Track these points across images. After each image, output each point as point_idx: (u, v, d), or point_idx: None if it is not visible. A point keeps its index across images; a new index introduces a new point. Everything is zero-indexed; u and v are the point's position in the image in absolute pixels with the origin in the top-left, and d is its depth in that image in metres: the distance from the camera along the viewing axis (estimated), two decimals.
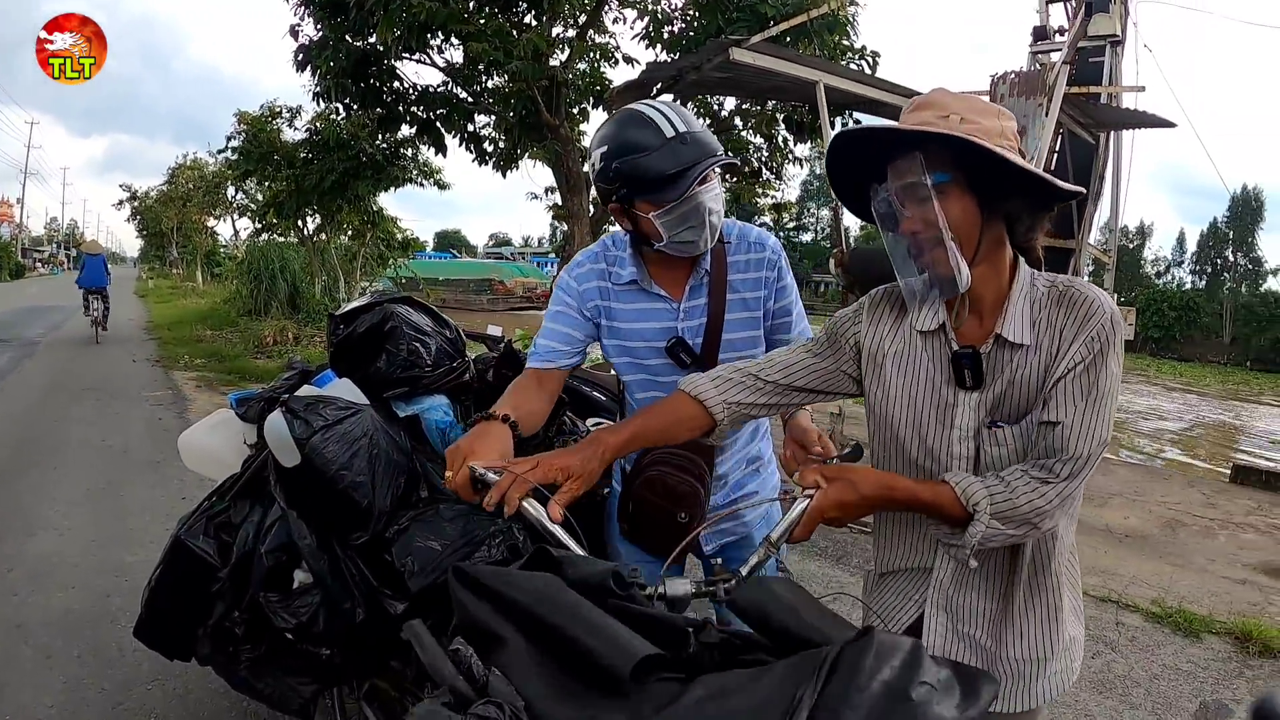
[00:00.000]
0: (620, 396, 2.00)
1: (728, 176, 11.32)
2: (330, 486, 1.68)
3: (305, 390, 1.90)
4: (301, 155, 13.69)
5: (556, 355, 1.76)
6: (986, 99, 1.30)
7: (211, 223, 36.61)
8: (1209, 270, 43.07)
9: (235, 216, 28.76)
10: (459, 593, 0.97)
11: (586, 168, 1.63)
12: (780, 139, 10.60)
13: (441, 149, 11.04)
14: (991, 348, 1.26)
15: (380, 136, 12.35)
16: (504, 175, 10.65)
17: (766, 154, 10.94)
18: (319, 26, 9.66)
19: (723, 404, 1.45)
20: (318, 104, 10.80)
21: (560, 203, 10.34)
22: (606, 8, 9.81)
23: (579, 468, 1.33)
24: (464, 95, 10.34)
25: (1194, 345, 34.55)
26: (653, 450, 1.71)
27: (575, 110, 10.23)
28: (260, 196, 18.53)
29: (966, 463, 1.29)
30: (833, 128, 7.46)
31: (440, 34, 8.90)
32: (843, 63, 8.56)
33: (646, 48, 9.61)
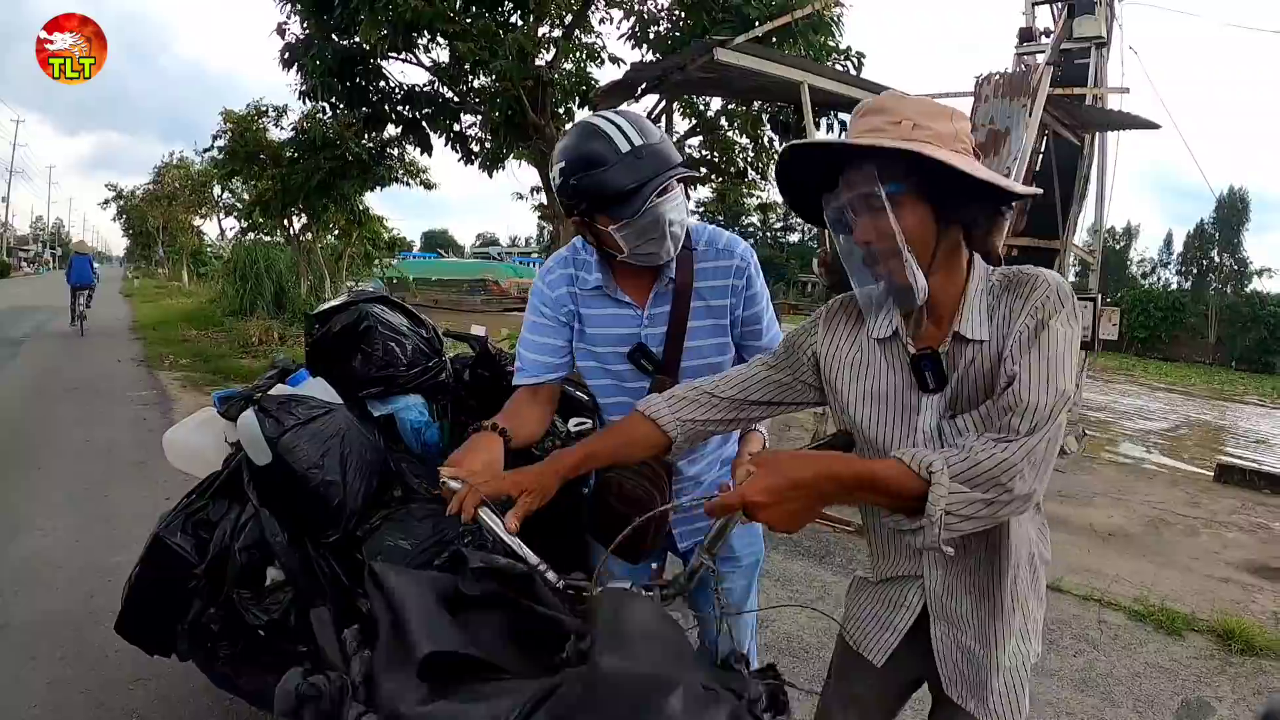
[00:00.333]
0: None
1: (713, 177, 11.36)
2: (301, 485, 1.69)
3: (279, 389, 1.90)
4: (287, 154, 13.67)
5: (542, 369, 1.77)
6: (941, 101, 1.28)
7: (198, 222, 36.52)
8: (1195, 271, 43.35)
9: (221, 216, 28.68)
10: (368, 588, 1.14)
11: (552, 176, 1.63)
12: (766, 139, 10.63)
13: (427, 149, 11.06)
14: (950, 346, 1.25)
15: (366, 136, 12.31)
16: (490, 175, 10.66)
17: (752, 154, 10.98)
18: (305, 25, 9.65)
19: (676, 421, 1.47)
20: (304, 103, 10.80)
21: (546, 202, 10.35)
22: (593, 8, 9.82)
23: (533, 483, 1.40)
24: (450, 95, 10.35)
25: (1179, 345, 34.73)
26: None
27: (561, 110, 10.22)
28: (246, 196, 18.49)
29: None
30: (817, 128, 7.49)
31: (426, 33, 8.89)
32: (828, 63, 8.59)
33: (633, 48, 9.65)
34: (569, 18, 9.84)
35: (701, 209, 12.47)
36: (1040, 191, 1.44)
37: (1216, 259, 42.68)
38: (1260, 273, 41.15)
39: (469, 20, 8.80)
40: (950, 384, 1.25)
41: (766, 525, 1.11)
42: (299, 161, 13.14)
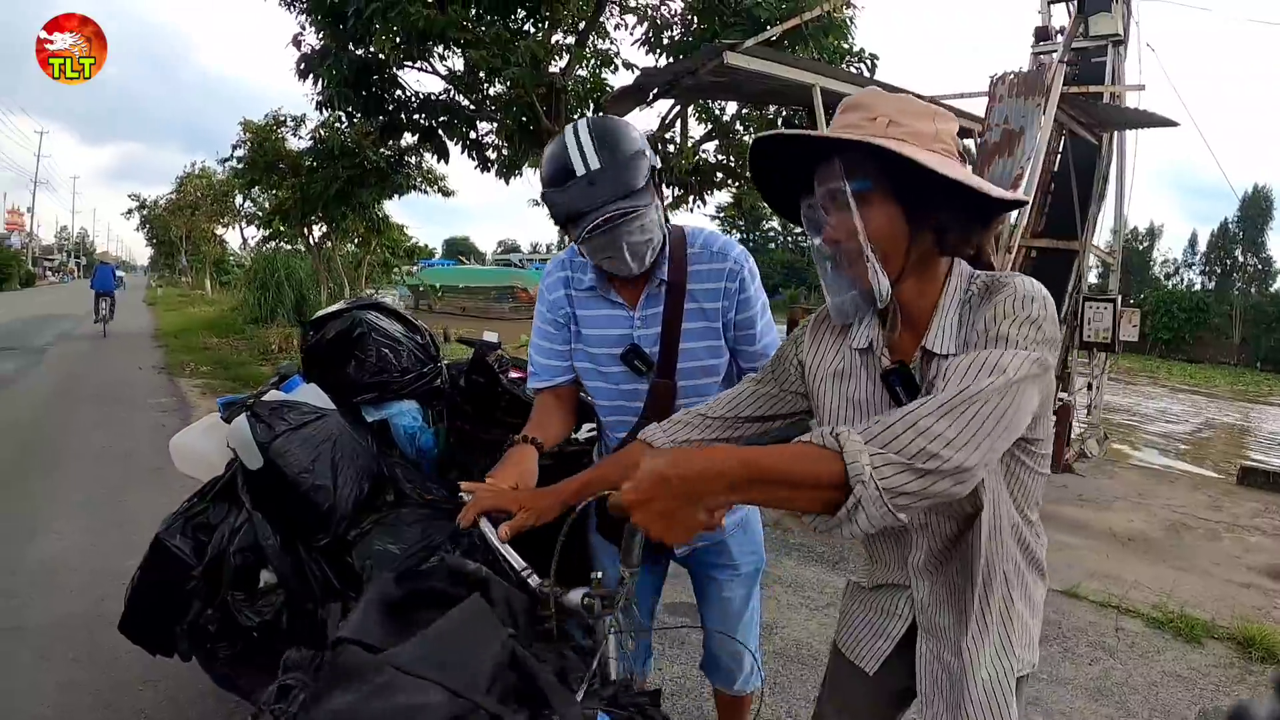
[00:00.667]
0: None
1: (730, 182, 11.33)
2: (292, 489, 1.71)
3: (272, 395, 1.91)
4: (306, 163, 13.81)
5: (553, 373, 1.82)
6: (923, 102, 1.22)
7: (220, 231, 36.92)
8: (1219, 271, 42.81)
9: (243, 224, 29.00)
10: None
11: None
12: None
13: (444, 156, 11.11)
14: (919, 361, 1.21)
15: (384, 144, 12.43)
16: (506, 182, 10.76)
17: None
18: (321, 35, 9.74)
19: (671, 444, 1.45)
20: (321, 112, 10.89)
21: None
22: (607, 13, 9.84)
23: (533, 503, 1.48)
24: (465, 103, 10.40)
25: (1204, 346, 34.29)
26: None
27: (575, 116, 10.25)
28: (267, 205, 18.73)
29: None
30: None
31: (440, 42, 8.95)
32: (841, 66, 8.55)
33: (646, 53, 9.66)
34: (582, 24, 9.88)
35: (720, 214, 12.45)
36: (1027, 201, 1.41)
37: (1241, 259, 42.11)
38: None
39: (482, 28, 8.86)
40: (921, 397, 1.20)
41: (646, 534, 0.96)
42: (318, 170, 13.29)
